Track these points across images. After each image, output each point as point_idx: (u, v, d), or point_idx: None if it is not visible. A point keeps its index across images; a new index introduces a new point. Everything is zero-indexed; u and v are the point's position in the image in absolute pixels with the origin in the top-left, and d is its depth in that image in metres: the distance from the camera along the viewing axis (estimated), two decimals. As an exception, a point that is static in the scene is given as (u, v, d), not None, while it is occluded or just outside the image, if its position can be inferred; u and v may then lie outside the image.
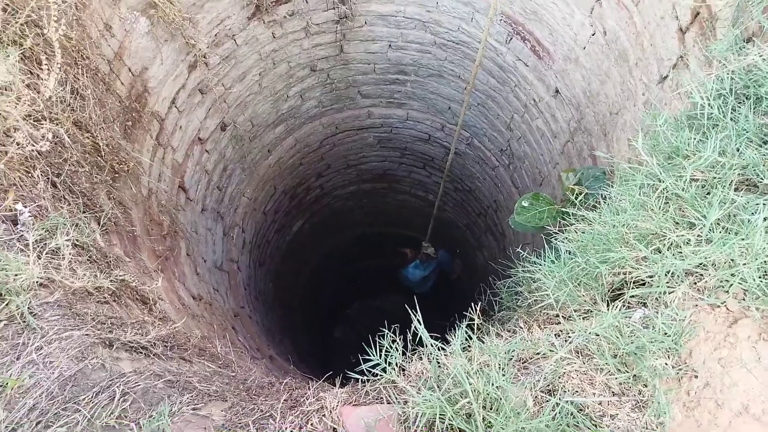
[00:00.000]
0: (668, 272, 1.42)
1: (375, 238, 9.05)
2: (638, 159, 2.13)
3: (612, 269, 1.52)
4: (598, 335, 1.36)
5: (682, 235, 1.43)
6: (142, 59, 3.17)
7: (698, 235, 1.39)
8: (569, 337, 1.41)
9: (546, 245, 1.89)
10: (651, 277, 1.46)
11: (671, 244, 1.44)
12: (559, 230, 2.04)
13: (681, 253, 1.41)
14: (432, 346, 1.40)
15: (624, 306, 1.50)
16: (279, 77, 4.41)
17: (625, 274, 1.52)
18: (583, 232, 1.67)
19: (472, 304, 1.68)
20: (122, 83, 2.99)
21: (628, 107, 3.00)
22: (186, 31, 3.31)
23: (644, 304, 1.48)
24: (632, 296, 1.54)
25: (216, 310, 3.99)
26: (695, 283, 1.41)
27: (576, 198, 2.68)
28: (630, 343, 1.32)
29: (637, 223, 1.52)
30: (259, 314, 5.60)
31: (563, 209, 2.52)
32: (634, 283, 1.55)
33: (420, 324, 1.43)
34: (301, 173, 5.98)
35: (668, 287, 1.39)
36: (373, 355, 1.45)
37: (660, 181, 1.51)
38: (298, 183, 6.10)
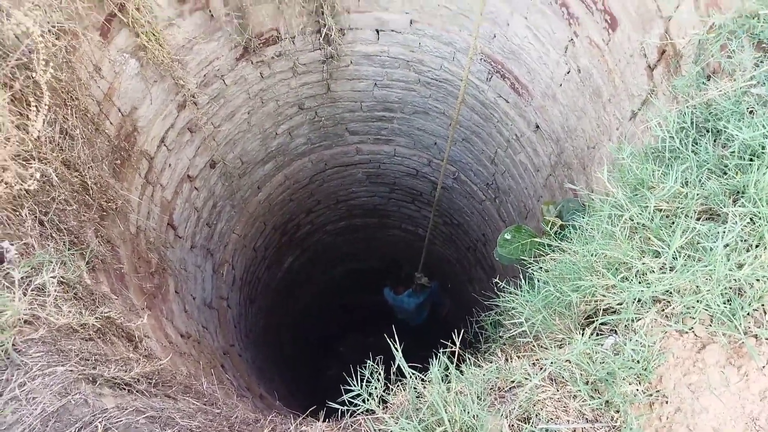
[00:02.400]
0: (636, 299, 1.47)
1: (366, 273, 9.06)
2: (609, 191, 2.21)
3: (583, 297, 1.56)
4: (570, 362, 1.39)
5: (648, 264, 1.48)
6: (131, 99, 3.25)
7: (663, 263, 1.44)
8: (544, 365, 1.44)
9: (522, 275, 1.94)
10: (620, 304, 1.51)
11: (638, 272, 1.49)
12: (534, 260, 2.09)
13: (647, 280, 1.46)
14: (410, 375, 1.42)
15: (595, 333, 1.54)
16: (267, 115, 4.51)
17: (596, 301, 1.57)
18: (558, 263, 1.72)
19: (454, 331, 1.71)
20: (111, 123, 3.06)
21: (603, 142, 3.10)
22: (175, 72, 3.41)
23: (615, 331, 1.52)
24: (603, 323, 1.58)
25: (204, 348, 3.97)
26: (663, 310, 1.45)
27: (551, 229, 2.74)
28: (602, 370, 1.36)
29: (605, 251, 1.57)
30: (249, 352, 5.56)
31: (539, 241, 2.58)
32: (604, 310, 1.59)
33: (399, 352, 1.46)
34: (291, 209, 6.04)
35: (636, 314, 1.44)
36: (355, 386, 1.47)
37: (626, 212, 1.57)
38: (288, 219, 6.15)
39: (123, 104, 3.20)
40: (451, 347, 1.78)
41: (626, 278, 1.50)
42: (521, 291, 1.77)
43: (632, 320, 1.44)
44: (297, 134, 5.00)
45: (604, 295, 1.52)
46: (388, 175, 6.10)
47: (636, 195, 1.66)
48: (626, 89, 2.73)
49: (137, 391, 1.77)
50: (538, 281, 1.76)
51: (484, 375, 1.48)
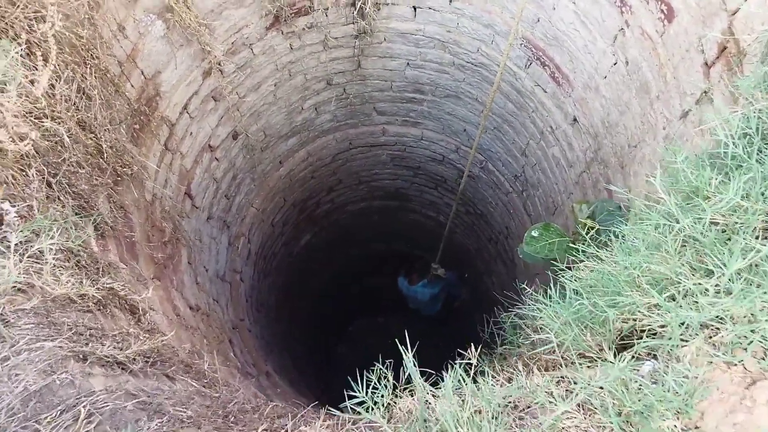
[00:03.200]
0: (682, 323, 1.31)
1: (384, 256, 8.95)
2: (656, 196, 2.03)
3: (621, 314, 1.41)
4: (602, 388, 1.25)
5: (699, 283, 1.32)
6: (155, 63, 3.14)
7: (716, 285, 1.28)
8: (571, 386, 1.30)
9: (552, 282, 1.79)
10: (663, 327, 1.35)
11: (686, 292, 1.33)
12: (567, 266, 1.93)
13: (697, 303, 1.30)
14: (422, 387, 1.29)
15: (632, 357, 1.39)
16: (294, 89, 4.38)
17: (635, 320, 1.41)
18: (592, 271, 1.56)
19: (471, 344, 1.57)
20: (132, 86, 2.95)
21: (647, 141, 2.90)
22: (202, 37, 3.28)
23: (654, 357, 1.36)
24: (642, 346, 1.43)
25: (213, 321, 3.91)
26: (710, 338, 1.29)
27: (586, 232, 2.57)
28: (637, 401, 1.21)
29: (650, 265, 1.41)
30: (259, 327, 5.51)
31: (573, 244, 2.41)
32: (643, 331, 1.44)
33: (409, 357, 1.33)
34: (312, 187, 5.93)
35: (681, 340, 1.28)
36: (359, 392, 1.35)
37: (677, 222, 1.41)
38: (308, 196, 6.04)
39: (146, 67, 3.09)
40: (467, 356, 1.64)
41: (673, 298, 1.34)
42: (550, 300, 1.62)
43: (676, 346, 1.28)
44: (323, 110, 4.86)
45: (645, 315, 1.36)
46: (414, 159, 5.93)
47: (688, 204, 1.48)
48: (678, 86, 2.52)
49: (131, 372, 1.68)
50: (569, 291, 1.61)
51: (502, 391, 1.34)
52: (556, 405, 1.25)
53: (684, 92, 2.47)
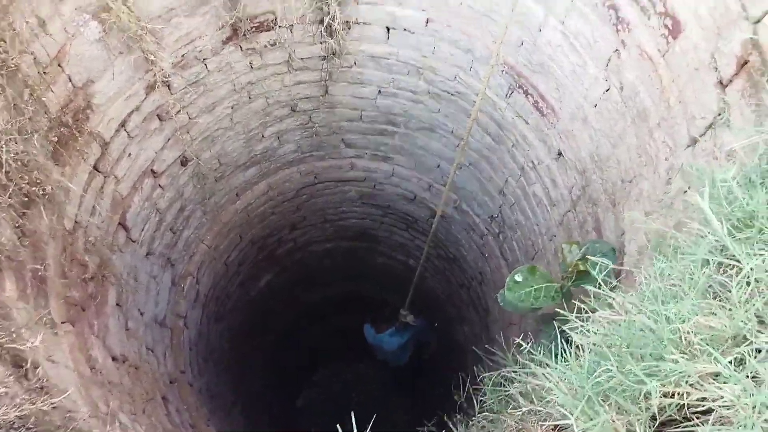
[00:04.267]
0: (754, 403, 0.90)
1: (351, 300, 8.44)
2: (668, 234, 1.67)
3: (662, 386, 1.00)
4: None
5: (777, 345, 0.92)
6: (87, 70, 2.72)
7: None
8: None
9: (555, 336, 1.37)
10: (725, 406, 0.94)
11: (759, 353, 0.94)
12: (569, 314, 1.52)
13: (775, 372, 0.90)
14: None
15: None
16: (254, 113, 3.99)
17: (680, 395, 1.00)
18: (616, 324, 1.16)
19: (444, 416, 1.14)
20: (53, 92, 2.51)
21: (645, 175, 2.57)
22: (146, 45, 2.89)
23: (714, 450, 0.95)
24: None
25: (144, 375, 3.35)
26: (801, 425, 0.88)
27: (583, 273, 2.19)
28: None
29: (699, 318, 1.01)
30: (205, 379, 4.92)
31: (571, 285, 2.02)
32: (690, 410, 1.02)
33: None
34: (273, 223, 5.48)
35: (762, 427, 0.87)
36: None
37: (735, 260, 1.02)
38: (268, 234, 5.58)
39: (76, 74, 2.67)
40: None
41: (739, 362, 0.94)
42: (557, 361, 1.20)
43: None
44: (286, 140, 4.47)
45: (697, 388, 0.95)
46: (384, 197, 5.56)
47: (743, 236, 1.11)
48: (685, 111, 2.22)
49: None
50: (581, 349, 1.20)
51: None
52: None
53: (692, 117, 2.16)
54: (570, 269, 2.52)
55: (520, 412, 1.52)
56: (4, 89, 2.08)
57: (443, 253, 5.99)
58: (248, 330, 6.53)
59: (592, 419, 0.99)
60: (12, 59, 2.15)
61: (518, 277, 2.56)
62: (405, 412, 8.60)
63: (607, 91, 2.76)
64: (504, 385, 2.05)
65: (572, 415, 1.00)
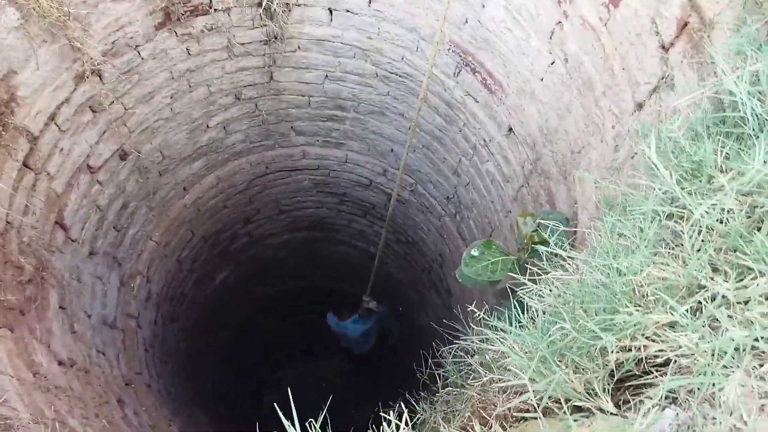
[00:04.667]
0: (713, 350, 0.89)
1: (311, 293, 8.32)
2: (615, 192, 1.67)
3: (619, 341, 0.97)
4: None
5: (729, 289, 0.91)
6: (8, 60, 2.53)
7: (761, 294, 0.87)
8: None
9: (509, 300, 1.34)
10: (684, 356, 0.92)
11: (713, 300, 0.92)
12: (522, 277, 1.49)
13: (732, 317, 0.89)
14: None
15: (635, 402, 0.96)
16: (196, 103, 3.83)
17: (638, 349, 0.98)
18: (567, 284, 1.13)
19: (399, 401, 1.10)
20: (-32, 83, 2.32)
21: (593, 144, 2.59)
22: (71, 33, 2.71)
23: (673, 401, 0.93)
24: (640, 386, 1.00)
25: (95, 378, 3.19)
26: (757, 367, 0.88)
27: (538, 244, 2.18)
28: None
29: (651, 269, 0.99)
30: (164, 380, 4.75)
31: (527, 257, 2.00)
32: (649, 362, 1.01)
33: None
34: (225, 217, 5.31)
35: (720, 373, 0.85)
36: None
37: (685, 210, 1.00)
38: (221, 228, 5.41)
39: (-6, 64, 2.47)
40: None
41: (695, 312, 0.92)
42: (513, 324, 1.17)
43: (711, 384, 0.86)
44: (233, 129, 4.33)
45: (654, 339, 0.93)
46: (339, 185, 5.47)
47: (691, 187, 1.09)
48: (629, 77, 2.23)
49: None
50: (536, 313, 1.17)
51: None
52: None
53: (636, 83, 2.17)
54: (525, 241, 2.52)
55: (480, 383, 1.49)
56: None
57: (402, 237, 5.96)
58: (206, 329, 6.35)
59: (546, 378, 0.95)
60: None
61: (474, 252, 2.54)
62: (369, 399, 8.59)
63: (552, 63, 2.76)
64: (465, 358, 2.03)
65: (522, 370, 0.96)
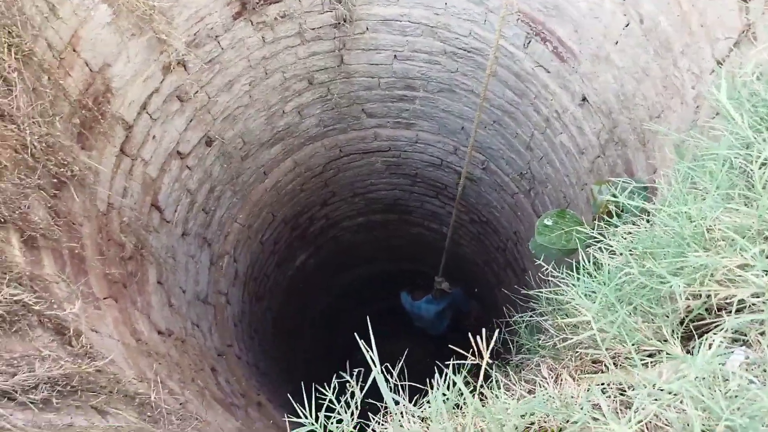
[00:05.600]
0: (786, 290, 0.86)
1: (388, 275, 8.46)
2: (685, 150, 1.60)
3: (689, 286, 0.96)
4: (675, 395, 0.80)
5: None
6: (102, 54, 2.77)
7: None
8: (625, 395, 0.85)
9: (581, 258, 1.34)
10: (756, 296, 0.90)
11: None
12: (590, 230, 1.48)
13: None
14: (396, 411, 0.85)
15: (709, 346, 0.94)
16: (272, 89, 4.00)
17: (708, 295, 0.97)
18: (641, 235, 1.12)
19: (477, 337, 1.14)
20: (71, 76, 2.57)
21: (673, 107, 2.47)
22: (157, 26, 2.92)
23: (745, 343, 0.91)
24: (714, 328, 0.98)
25: (191, 348, 3.46)
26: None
27: (614, 211, 2.13)
28: (735, 410, 0.76)
29: (722, 215, 0.97)
30: (252, 354, 5.05)
31: (602, 223, 1.96)
32: (722, 309, 0.99)
33: (378, 371, 0.90)
34: (302, 200, 5.52)
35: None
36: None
37: (759, 154, 0.97)
38: (299, 211, 5.63)
39: (92, 58, 2.72)
40: (471, 359, 1.21)
41: (767, 254, 0.90)
42: (580, 275, 1.18)
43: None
44: (307, 114, 4.48)
45: (727, 284, 0.92)
46: (410, 165, 5.52)
47: (766, 131, 1.05)
48: (707, 34, 2.11)
49: (17, 403, 1.24)
50: (606, 266, 1.17)
51: (521, 407, 0.89)
52: (606, 425, 0.79)
53: (716, 38, 2.05)
54: (600, 210, 2.46)
55: (552, 343, 1.50)
56: (21, 73, 2.13)
57: (476, 217, 5.93)
58: (289, 311, 6.64)
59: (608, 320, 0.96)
60: (25, 44, 2.20)
61: (548, 221, 2.51)
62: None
63: (627, 26, 2.65)
64: (538, 327, 2.03)
65: (590, 314, 0.97)
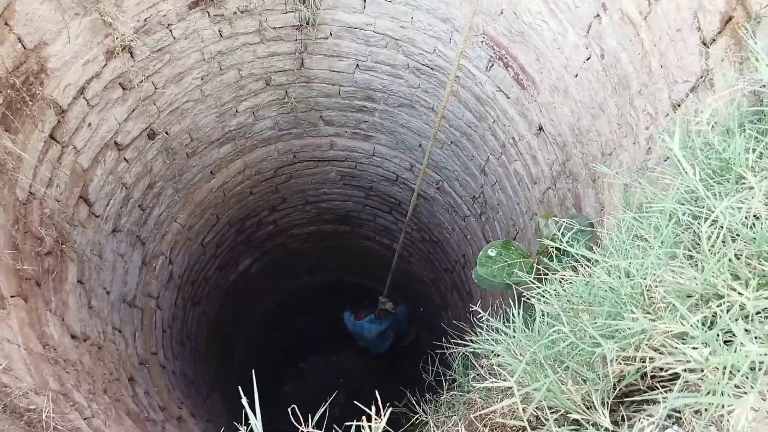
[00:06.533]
0: (725, 366, 0.78)
1: (334, 286, 8.31)
2: (644, 205, 1.56)
3: (623, 350, 0.88)
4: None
5: (749, 299, 0.81)
6: (39, 31, 2.55)
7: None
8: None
9: (514, 302, 1.25)
10: (692, 371, 0.83)
11: (730, 311, 0.82)
12: (527, 277, 1.41)
13: (749, 332, 0.79)
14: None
15: (638, 419, 0.86)
16: (227, 86, 3.83)
17: (644, 362, 0.88)
18: (572, 284, 1.04)
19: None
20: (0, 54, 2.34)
21: (625, 146, 2.46)
22: (104, 7, 2.72)
23: (677, 421, 0.83)
24: (647, 401, 0.90)
25: (108, 354, 3.22)
26: (775, 390, 0.77)
27: (557, 248, 2.08)
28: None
29: (663, 273, 0.90)
30: (181, 362, 4.80)
31: (543, 259, 1.90)
32: (656, 377, 0.91)
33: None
34: (251, 204, 5.33)
35: (731, 394, 0.75)
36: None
37: (708, 211, 0.90)
38: (246, 215, 5.43)
39: (27, 34, 2.50)
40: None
41: (709, 325, 0.82)
42: (511, 327, 1.08)
43: (720, 405, 0.76)
44: (262, 115, 4.32)
45: (664, 351, 0.84)
46: (365, 178, 5.42)
47: (718, 188, 0.99)
48: (666, 75, 2.10)
49: None
50: (538, 314, 1.08)
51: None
52: None
53: (674, 81, 2.04)
54: (545, 243, 2.41)
55: (484, 386, 1.41)
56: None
57: (426, 236, 5.88)
58: (228, 315, 6.40)
59: (537, 383, 0.87)
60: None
61: (492, 252, 2.44)
62: (385, 395, 8.53)
63: (588, 59, 2.63)
64: (473, 362, 1.94)
65: (513, 376, 0.87)
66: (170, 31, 3.17)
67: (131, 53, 3.08)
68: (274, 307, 7.94)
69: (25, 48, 2.53)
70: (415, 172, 4.99)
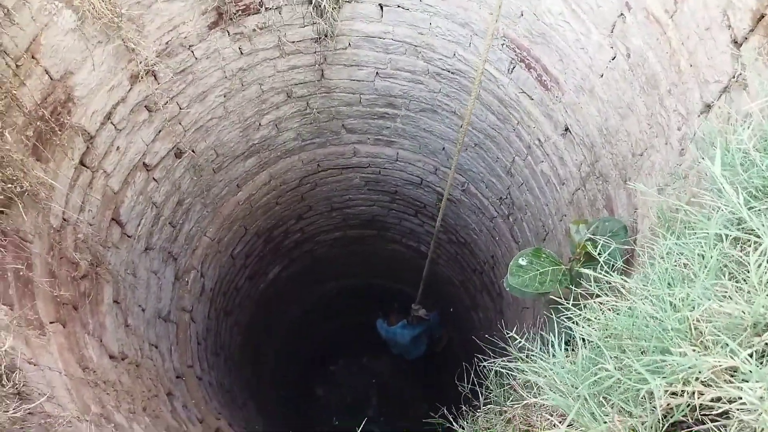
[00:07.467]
0: (781, 402, 0.75)
1: (362, 291, 8.33)
2: (676, 206, 1.51)
3: (670, 385, 0.85)
4: None
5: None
6: (65, 61, 2.61)
7: None
8: None
9: (550, 327, 1.23)
10: (742, 405, 0.80)
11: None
12: (570, 302, 1.38)
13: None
14: None
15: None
16: (249, 101, 3.86)
17: (691, 395, 0.86)
18: (616, 312, 1.01)
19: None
20: (27, 86, 2.40)
21: (656, 146, 2.39)
22: (126, 33, 2.77)
23: (733, 457, 0.80)
24: None
25: (146, 371, 3.28)
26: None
27: (597, 254, 2.03)
28: None
29: (711, 304, 0.87)
30: (216, 373, 4.87)
31: (579, 268, 1.86)
32: (704, 411, 0.88)
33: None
34: (277, 214, 5.37)
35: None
36: None
37: (753, 234, 0.87)
38: (274, 225, 5.48)
39: (53, 66, 2.55)
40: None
41: (761, 356, 0.79)
42: (550, 356, 1.06)
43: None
44: (285, 127, 4.35)
45: (710, 386, 0.81)
46: (389, 183, 5.41)
47: (762, 206, 0.95)
48: (697, 74, 2.04)
49: None
50: (579, 342, 1.06)
51: None
52: None
53: (705, 80, 1.98)
54: (578, 250, 2.37)
55: (520, 405, 1.39)
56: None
57: (454, 237, 5.84)
58: (259, 324, 6.47)
59: (595, 419, 0.85)
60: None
61: (522, 261, 2.41)
62: (418, 399, 8.53)
63: (613, 59, 2.57)
64: (508, 375, 1.92)
65: (558, 406, 0.86)
66: (192, 52, 3.20)
67: (155, 76, 3.12)
68: (302, 315, 7.99)
69: (51, 79, 2.58)
70: (439, 175, 4.96)
